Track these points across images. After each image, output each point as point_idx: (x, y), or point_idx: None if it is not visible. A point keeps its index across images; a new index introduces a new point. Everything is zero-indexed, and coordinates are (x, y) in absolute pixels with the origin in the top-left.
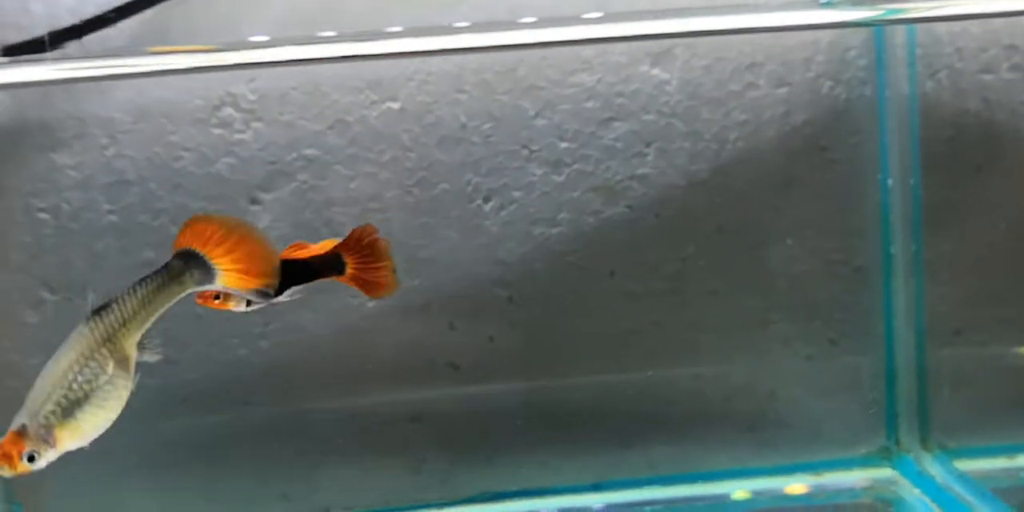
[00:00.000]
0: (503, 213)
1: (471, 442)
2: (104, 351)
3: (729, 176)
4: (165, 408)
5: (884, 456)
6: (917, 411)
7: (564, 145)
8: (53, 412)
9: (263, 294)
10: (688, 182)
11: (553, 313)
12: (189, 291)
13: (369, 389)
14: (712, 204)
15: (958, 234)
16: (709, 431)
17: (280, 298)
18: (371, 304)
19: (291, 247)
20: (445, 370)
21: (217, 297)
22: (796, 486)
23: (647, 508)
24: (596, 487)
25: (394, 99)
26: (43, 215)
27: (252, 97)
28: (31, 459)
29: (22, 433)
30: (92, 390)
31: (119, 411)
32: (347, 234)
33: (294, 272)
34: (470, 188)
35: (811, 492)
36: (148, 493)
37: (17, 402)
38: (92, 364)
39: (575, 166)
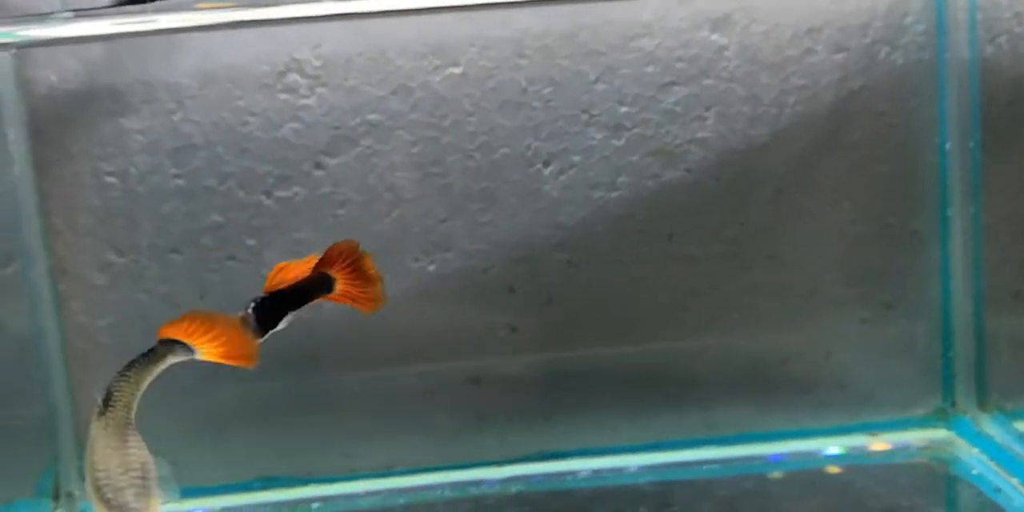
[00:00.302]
0: (563, 177)
1: (529, 403)
2: (131, 430)
3: (787, 140)
4: (231, 369)
5: (940, 417)
6: (975, 373)
7: (624, 109)
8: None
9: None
10: (747, 146)
11: (612, 276)
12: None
13: (430, 351)
14: (770, 168)
15: (1017, 197)
16: (766, 393)
17: (280, 327)
18: (432, 267)
19: (275, 270)
20: (504, 332)
21: None
22: (852, 447)
23: (704, 467)
24: (654, 447)
25: (456, 64)
26: (111, 179)
27: (317, 63)
28: None
29: None
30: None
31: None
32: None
33: (286, 300)
34: (530, 152)
35: (867, 452)
36: (214, 450)
37: (86, 363)
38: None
39: (635, 130)
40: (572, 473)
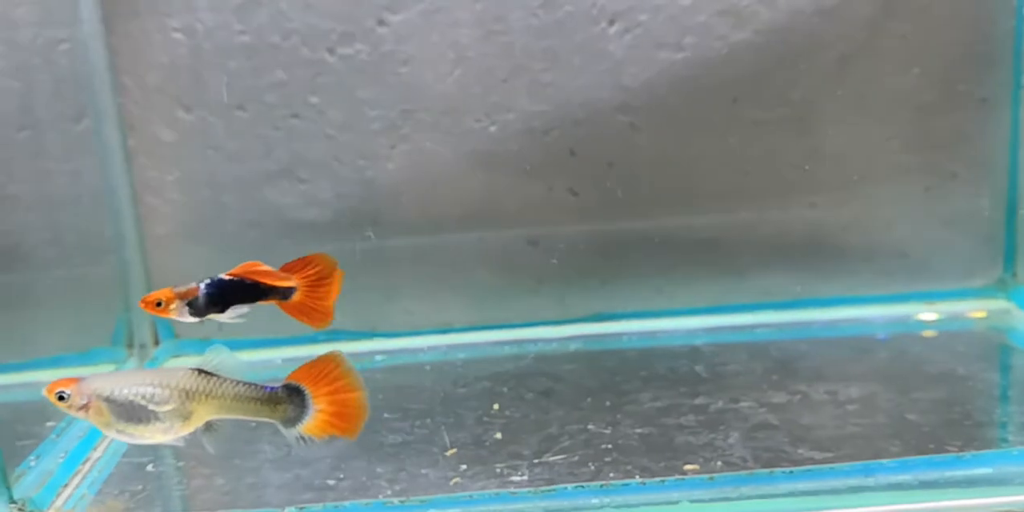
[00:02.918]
0: (627, 37)
1: (587, 266)
2: (179, 393)
3: (857, 3)
4: (298, 225)
5: (1000, 288)
6: None
7: None
8: (107, 392)
9: (200, 312)
10: (816, 8)
11: (674, 140)
12: (271, 421)
13: (489, 213)
14: (839, 31)
15: None
16: (825, 260)
17: (222, 317)
18: (493, 128)
19: (248, 264)
20: (564, 196)
21: (159, 304)
22: (910, 314)
23: (759, 330)
24: (710, 310)
25: None
26: (178, 35)
27: None
28: (60, 398)
29: (78, 382)
30: (146, 409)
31: (139, 440)
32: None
33: (240, 290)
34: (595, 10)
35: (925, 320)
36: None
37: (156, 217)
38: (162, 391)
39: None
40: (629, 333)
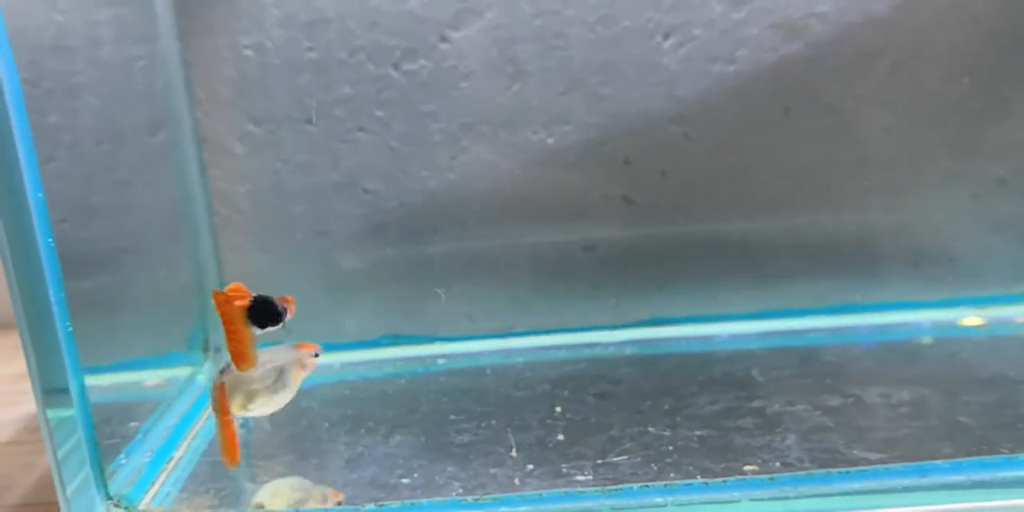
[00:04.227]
0: (682, 50)
1: (642, 272)
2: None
3: (908, 14)
4: (365, 233)
5: None
6: None
7: None
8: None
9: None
10: (866, 20)
11: (727, 149)
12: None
13: (547, 220)
14: (888, 42)
15: None
16: (875, 265)
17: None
18: (551, 140)
19: (232, 287)
20: (619, 204)
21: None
22: (959, 319)
23: (811, 334)
24: (763, 315)
25: None
26: (248, 52)
27: None
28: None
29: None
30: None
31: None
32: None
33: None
34: (651, 25)
35: (974, 325)
36: (348, 308)
37: (229, 227)
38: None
39: (755, 3)
40: (685, 338)
